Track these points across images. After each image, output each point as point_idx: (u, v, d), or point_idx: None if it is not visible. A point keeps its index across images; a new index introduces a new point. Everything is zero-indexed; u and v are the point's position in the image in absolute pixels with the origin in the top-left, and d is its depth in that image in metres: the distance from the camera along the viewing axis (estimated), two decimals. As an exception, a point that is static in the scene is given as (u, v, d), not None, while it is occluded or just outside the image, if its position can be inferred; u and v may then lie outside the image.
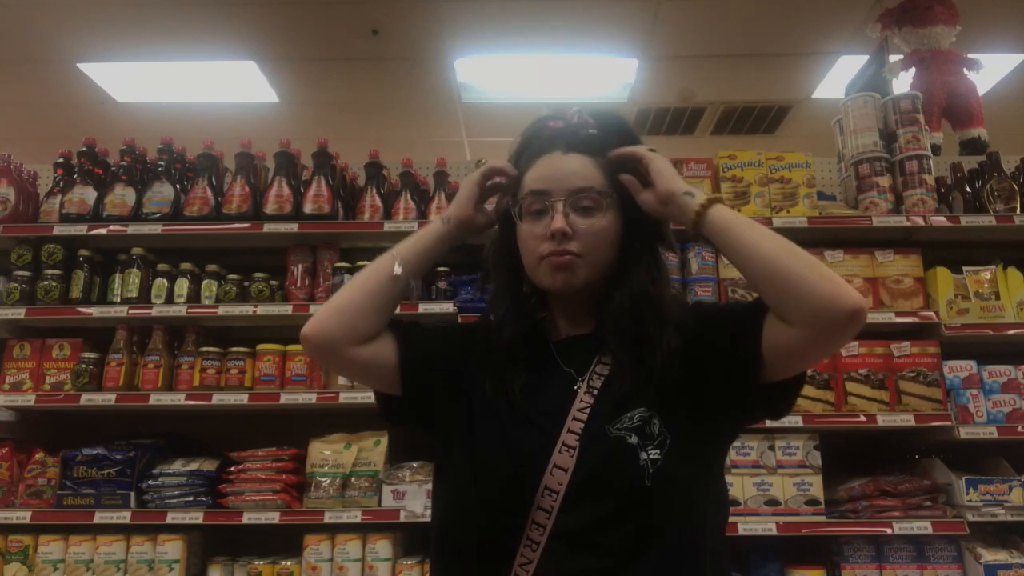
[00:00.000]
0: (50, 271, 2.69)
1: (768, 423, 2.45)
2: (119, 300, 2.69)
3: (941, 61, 3.09)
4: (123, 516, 2.46)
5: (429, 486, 2.41)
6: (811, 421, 2.49)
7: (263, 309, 2.63)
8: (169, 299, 2.68)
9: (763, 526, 2.39)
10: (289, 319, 2.63)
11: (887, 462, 2.63)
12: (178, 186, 2.77)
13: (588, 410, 1.11)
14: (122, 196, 2.73)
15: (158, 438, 2.71)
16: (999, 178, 2.71)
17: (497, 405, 1.16)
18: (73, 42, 4.67)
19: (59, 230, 2.69)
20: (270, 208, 2.69)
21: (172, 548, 2.49)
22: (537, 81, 5.11)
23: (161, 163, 2.81)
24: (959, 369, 2.55)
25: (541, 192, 1.17)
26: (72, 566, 2.49)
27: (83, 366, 2.62)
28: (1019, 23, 4.48)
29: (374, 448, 2.57)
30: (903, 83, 3.06)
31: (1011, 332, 2.56)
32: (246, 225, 2.68)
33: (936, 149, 2.94)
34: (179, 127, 3.90)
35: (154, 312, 2.63)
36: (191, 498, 2.51)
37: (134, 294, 2.67)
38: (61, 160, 2.85)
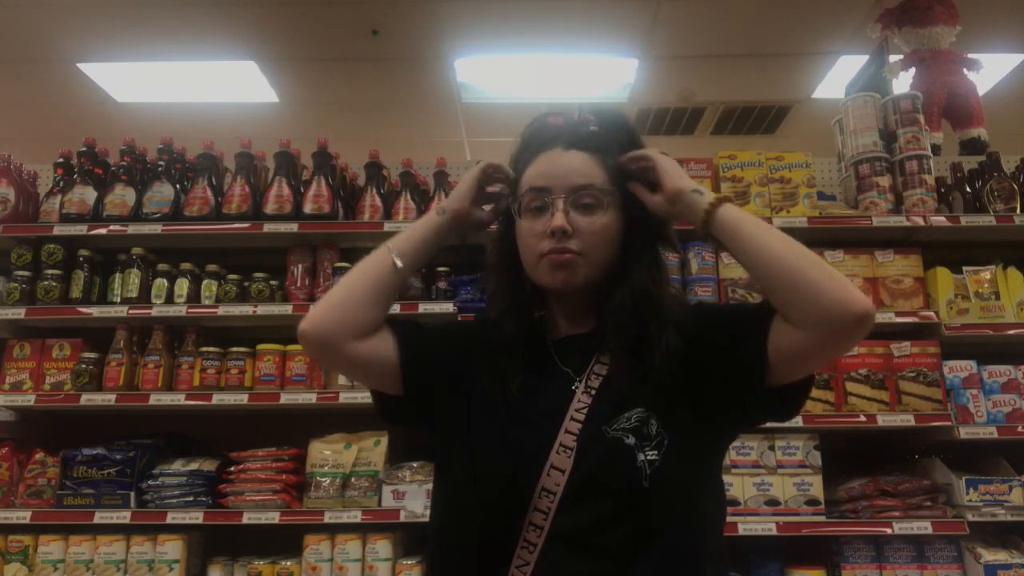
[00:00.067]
0: (50, 271, 2.69)
1: (768, 423, 2.45)
2: (119, 300, 2.69)
3: (941, 61, 3.09)
4: (123, 516, 2.46)
5: (429, 486, 2.41)
6: (811, 421, 2.49)
7: (263, 309, 2.63)
8: (169, 299, 2.68)
9: (763, 526, 2.39)
10: (289, 319, 2.63)
11: (887, 462, 2.63)
12: (178, 186, 2.77)
13: (586, 410, 1.11)
14: (122, 196, 2.73)
15: (158, 438, 2.71)
16: (999, 178, 2.71)
17: (495, 405, 1.15)
18: (73, 42, 4.67)
19: (59, 230, 2.69)
20: (270, 208, 2.69)
21: (172, 548, 2.49)
22: (537, 81, 5.12)
23: (161, 163, 2.81)
24: (959, 369, 2.55)
25: (541, 189, 1.16)
26: (72, 566, 2.49)
27: (83, 366, 2.62)
28: (1019, 23, 4.48)
29: (374, 448, 2.57)
30: (903, 83, 3.06)
31: (1011, 332, 2.56)
32: (246, 225, 2.68)
33: (936, 149, 2.94)
34: (179, 127, 3.90)
35: (154, 312, 2.63)
36: (191, 498, 2.51)
37: (134, 294, 2.67)
38: (61, 160, 2.85)
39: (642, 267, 1.16)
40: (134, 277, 2.69)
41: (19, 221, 2.75)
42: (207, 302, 2.68)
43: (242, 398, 2.57)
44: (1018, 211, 2.67)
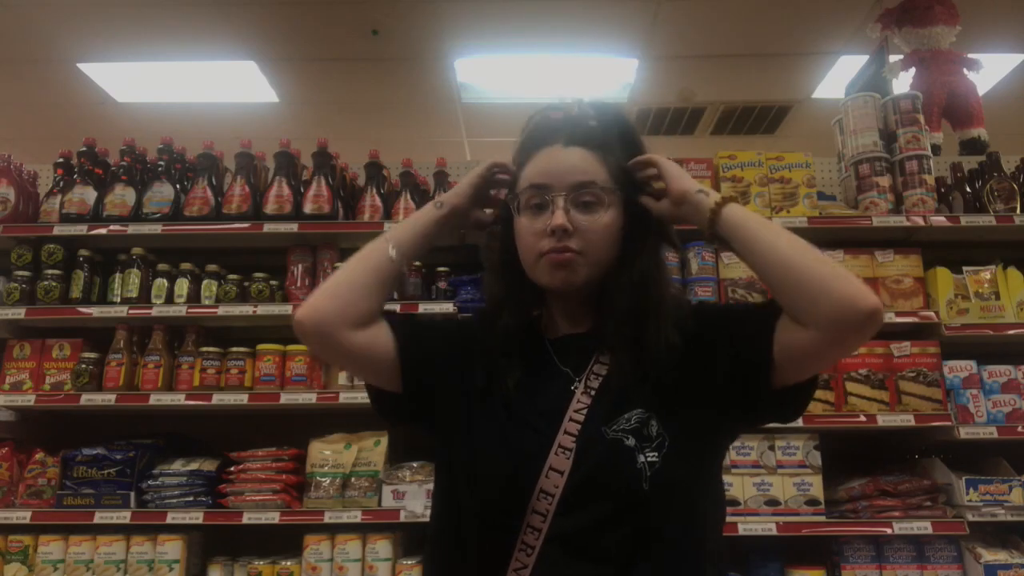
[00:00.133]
0: (50, 271, 2.69)
1: (769, 424, 2.45)
2: (119, 300, 2.69)
3: (941, 61, 3.09)
4: (123, 516, 2.46)
5: (429, 486, 2.42)
6: (811, 421, 2.48)
7: (263, 309, 2.63)
8: (169, 299, 2.68)
9: (763, 526, 2.39)
10: (289, 319, 2.58)
11: (887, 462, 2.63)
12: (178, 186, 2.77)
13: (585, 411, 1.09)
14: (122, 196, 2.73)
15: (158, 438, 2.71)
16: (999, 178, 2.71)
17: (494, 405, 1.14)
18: (73, 42, 4.67)
19: (59, 230, 2.69)
20: (270, 208, 2.69)
21: (172, 548, 2.49)
22: (537, 81, 5.12)
23: (161, 163, 2.81)
24: (959, 369, 2.55)
25: (541, 186, 1.14)
26: (72, 566, 2.49)
27: (83, 366, 2.62)
28: (1019, 23, 4.48)
29: (374, 448, 2.57)
30: (903, 83, 3.06)
31: (1011, 332, 2.56)
32: (246, 225, 2.68)
33: (936, 149, 2.94)
34: (179, 127, 3.90)
35: (154, 312, 2.63)
36: (191, 498, 2.51)
37: (134, 294, 2.67)
38: (61, 160, 2.85)
39: (642, 266, 1.14)
40: (134, 277, 2.69)
41: (19, 221, 2.75)
42: (207, 302, 2.68)
43: (242, 398, 2.57)
44: (1018, 211, 2.67)
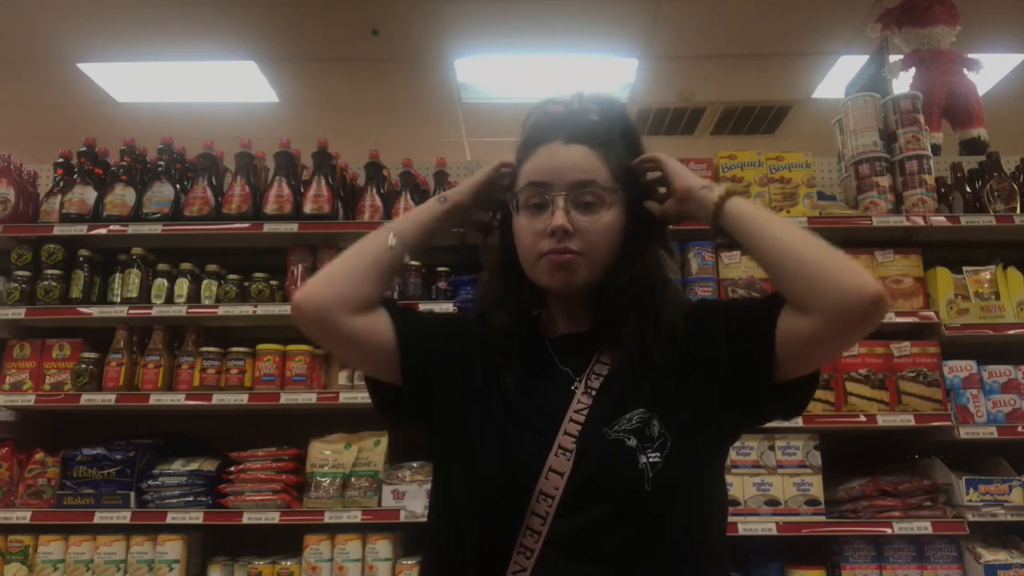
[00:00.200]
0: (50, 271, 2.69)
1: (770, 421, 2.45)
2: (119, 300, 2.69)
3: (941, 61, 3.09)
4: (123, 516, 2.46)
5: (429, 486, 2.41)
6: (811, 421, 2.49)
7: (263, 309, 2.63)
8: (169, 299, 2.68)
9: (763, 526, 2.39)
10: (289, 319, 2.59)
11: (887, 462, 2.63)
12: (178, 186, 2.77)
13: (586, 411, 1.08)
14: (122, 196, 2.73)
15: (158, 438, 2.71)
16: (999, 178, 2.71)
17: (493, 404, 1.12)
18: (73, 42, 4.67)
19: (59, 230, 2.69)
20: (270, 208, 2.69)
21: (172, 548, 2.49)
22: (537, 81, 5.12)
23: (161, 163, 2.81)
24: (959, 369, 2.55)
25: (541, 184, 1.11)
26: (72, 566, 2.49)
27: (83, 366, 2.62)
28: (1019, 23, 4.48)
29: (374, 448, 2.57)
30: (903, 83, 3.06)
31: (1011, 332, 2.56)
32: (246, 225, 2.68)
33: (936, 149, 2.94)
34: (179, 127, 3.90)
35: (154, 312, 2.63)
36: (191, 498, 2.51)
37: (134, 294, 2.67)
38: (61, 160, 2.85)
39: (643, 265, 1.14)
40: (134, 277, 2.69)
41: (19, 221, 2.75)
42: (207, 302, 2.68)
43: (242, 398, 2.57)
44: (1018, 211, 2.67)
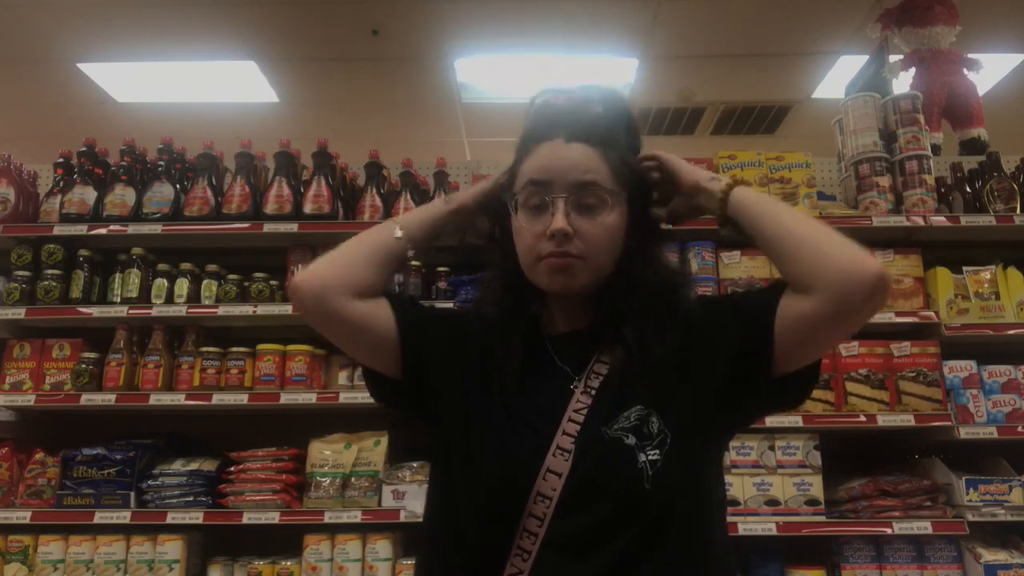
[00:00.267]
0: (50, 271, 2.69)
1: (768, 423, 2.45)
2: (119, 300, 2.69)
3: (941, 61, 3.10)
4: (123, 516, 2.46)
5: (429, 486, 2.41)
6: (811, 421, 2.49)
7: (263, 309, 2.63)
8: (169, 299, 2.68)
9: (763, 526, 2.39)
10: (289, 319, 2.63)
11: (887, 462, 2.63)
12: (178, 186, 2.77)
13: (585, 411, 1.06)
14: (122, 196, 2.73)
15: (158, 438, 2.71)
16: (999, 178, 2.71)
17: (491, 404, 1.11)
18: (73, 42, 4.67)
19: (59, 230, 2.68)
20: (270, 208, 2.69)
21: (172, 548, 2.49)
22: (537, 81, 5.10)
23: (161, 163, 2.80)
24: (959, 369, 2.55)
25: (541, 183, 1.09)
26: (72, 566, 2.49)
27: (83, 366, 2.62)
28: (1019, 23, 4.48)
29: (374, 448, 2.57)
30: (903, 83, 3.06)
31: (1011, 332, 2.56)
32: (246, 225, 2.68)
33: (936, 149, 2.94)
34: (179, 127, 3.90)
35: (154, 312, 2.63)
36: (191, 498, 2.51)
37: (134, 294, 2.67)
38: (61, 160, 2.85)
39: (643, 263, 1.13)
40: (134, 277, 2.68)
41: (19, 221, 2.75)
42: (207, 302, 2.68)
43: (242, 398, 2.57)
44: (1018, 211, 2.67)
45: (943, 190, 2.79)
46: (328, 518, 2.45)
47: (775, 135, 6.01)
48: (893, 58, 3.08)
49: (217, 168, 2.84)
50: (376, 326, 1.15)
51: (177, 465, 2.57)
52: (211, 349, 2.65)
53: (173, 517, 2.46)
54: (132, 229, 2.67)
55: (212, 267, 2.73)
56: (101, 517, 2.46)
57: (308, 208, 2.69)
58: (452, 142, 6.16)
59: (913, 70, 3.11)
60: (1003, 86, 5.07)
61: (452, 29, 4.54)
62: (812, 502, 2.45)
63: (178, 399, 2.59)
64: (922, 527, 2.37)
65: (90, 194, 2.74)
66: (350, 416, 2.58)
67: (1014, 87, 5.07)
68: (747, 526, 2.38)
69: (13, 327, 2.76)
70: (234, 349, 2.65)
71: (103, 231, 2.68)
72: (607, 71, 5.06)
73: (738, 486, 2.46)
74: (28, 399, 2.62)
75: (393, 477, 2.51)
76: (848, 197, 2.83)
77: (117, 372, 2.61)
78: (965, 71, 3.12)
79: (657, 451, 1.02)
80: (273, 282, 2.72)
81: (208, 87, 5.26)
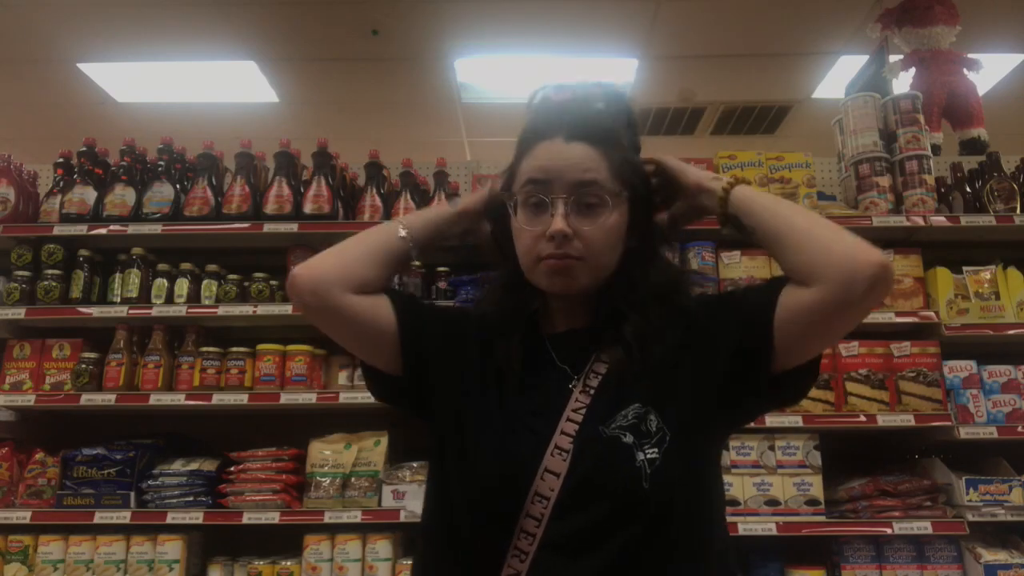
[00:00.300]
0: (50, 271, 2.69)
1: (768, 423, 2.45)
2: (119, 300, 2.69)
3: (941, 61, 3.10)
4: (123, 516, 2.46)
5: (429, 486, 2.41)
6: (811, 421, 2.49)
7: (263, 309, 2.63)
8: (169, 299, 2.68)
9: (763, 526, 2.39)
10: (289, 319, 2.63)
11: (887, 462, 2.63)
12: (178, 186, 2.77)
13: (583, 410, 1.05)
14: (122, 196, 2.73)
15: (158, 438, 2.71)
16: (999, 178, 2.71)
17: (490, 403, 1.10)
18: (73, 42, 4.67)
19: (59, 230, 2.68)
20: (270, 208, 2.69)
21: (172, 548, 2.49)
22: (537, 81, 5.10)
23: (161, 163, 2.80)
24: (959, 369, 2.55)
25: (540, 182, 1.08)
26: (72, 566, 2.49)
27: (83, 366, 2.62)
28: (1019, 23, 4.48)
29: (374, 448, 2.57)
30: (903, 83, 3.06)
31: (1011, 332, 2.56)
32: (246, 225, 2.68)
33: (936, 149, 2.94)
34: (179, 127, 3.90)
35: (154, 312, 2.63)
36: (191, 498, 2.51)
37: (134, 294, 2.67)
38: (61, 160, 2.85)
39: (644, 263, 1.13)
40: (134, 277, 2.68)
41: (19, 221, 2.74)
42: (207, 302, 2.68)
43: (242, 398, 2.57)
44: (1018, 211, 2.67)
45: (943, 190, 2.79)
46: (328, 518, 2.45)
47: (775, 135, 6.02)
48: (893, 58, 3.08)
49: (217, 168, 2.84)
50: (375, 321, 1.15)
51: (177, 465, 2.57)
52: (211, 349, 2.65)
53: (173, 517, 2.46)
54: (132, 229, 2.67)
55: (212, 267, 2.73)
56: (101, 517, 2.46)
57: (308, 208, 2.69)
58: (452, 142, 6.16)
59: (913, 70, 3.11)
60: (1003, 86, 5.07)
61: (452, 29, 4.55)
62: (812, 502, 2.45)
63: (178, 399, 2.59)
64: (922, 527, 2.37)
65: (90, 194, 2.74)
66: (350, 416, 2.58)
67: (1014, 87, 5.07)
68: (747, 526, 2.39)
69: (13, 327, 2.76)
70: (234, 349, 2.65)
71: (103, 231, 2.68)
72: (607, 71, 5.06)
73: (738, 486, 2.46)
74: (28, 399, 2.62)
75: (393, 477, 2.51)
76: (848, 197, 2.83)
77: (117, 372, 2.61)
78: (965, 71, 3.12)
79: (656, 449, 1.01)
80: (273, 282, 2.72)
81: (208, 87, 5.26)
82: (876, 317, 2.52)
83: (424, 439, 1.22)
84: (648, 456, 1.01)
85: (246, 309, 2.63)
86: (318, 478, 2.52)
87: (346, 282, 1.13)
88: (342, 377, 2.66)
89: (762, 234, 1.10)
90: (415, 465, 2.53)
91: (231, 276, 2.72)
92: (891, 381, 2.54)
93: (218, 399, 2.58)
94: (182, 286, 2.68)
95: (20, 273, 2.70)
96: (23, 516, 2.49)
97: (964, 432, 2.46)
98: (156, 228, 2.67)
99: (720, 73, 5.10)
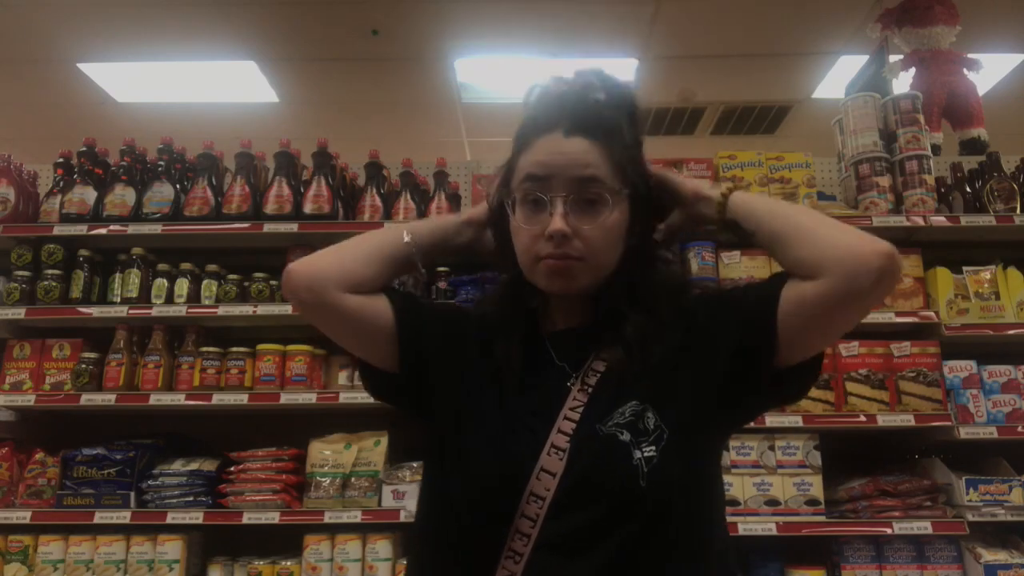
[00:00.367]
0: (50, 271, 2.69)
1: (768, 423, 2.45)
2: (119, 300, 2.69)
3: (941, 61, 3.09)
4: (123, 516, 2.46)
5: (429, 486, 2.41)
6: (811, 421, 2.49)
7: (263, 309, 2.63)
8: (169, 299, 2.68)
9: (763, 526, 2.39)
10: (289, 319, 2.63)
11: (887, 462, 2.63)
12: (178, 186, 2.77)
13: (581, 409, 1.04)
14: (122, 196, 2.73)
15: (158, 438, 2.71)
16: (999, 178, 2.71)
17: (487, 401, 1.09)
18: (73, 42, 4.67)
19: (59, 230, 2.68)
20: (270, 208, 2.69)
21: (172, 548, 2.49)
22: (537, 80, 5.11)
23: (161, 163, 2.80)
24: (959, 369, 2.55)
25: (538, 178, 1.05)
26: (72, 566, 2.49)
27: (83, 366, 2.62)
28: (1019, 23, 4.48)
29: (374, 448, 2.57)
30: (903, 83, 3.06)
31: (1011, 332, 2.56)
32: (246, 225, 2.68)
33: (936, 149, 2.94)
34: (179, 127, 3.89)
35: (154, 312, 2.63)
36: (191, 498, 2.51)
37: (134, 294, 2.67)
38: (61, 160, 2.85)
39: (645, 262, 1.12)
40: (134, 277, 2.68)
41: (19, 221, 2.74)
42: (207, 302, 2.68)
43: (242, 398, 2.57)
44: (1018, 211, 2.67)
45: (943, 190, 2.79)
46: (328, 518, 2.45)
47: (775, 135, 6.02)
48: (893, 58, 3.08)
49: (217, 168, 2.84)
50: (372, 320, 1.14)
51: (177, 465, 2.57)
52: (211, 349, 2.65)
53: (173, 517, 2.46)
54: (132, 229, 2.67)
55: (212, 267, 2.73)
56: (101, 517, 2.46)
57: (308, 208, 2.69)
58: (452, 142, 6.16)
59: (913, 70, 3.11)
60: (1003, 86, 5.07)
61: (452, 29, 4.55)
62: (812, 502, 2.45)
63: (178, 399, 2.59)
64: (922, 527, 2.37)
65: (90, 194, 2.74)
66: (350, 416, 2.58)
67: (1014, 87, 5.07)
68: (747, 526, 2.38)
69: (13, 327, 2.76)
70: (234, 349, 2.65)
71: (103, 231, 2.68)
72: (607, 71, 5.05)
73: (738, 486, 2.46)
74: (28, 399, 2.62)
75: (393, 477, 2.51)
76: (848, 197, 2.83)
77: (117, 372, 2.61)
78: (965, 71, 3.12)
79: (653, 448, 1.00)
80: (273, 282, 2.71)
81: (208, 87, 5.26)
82: (876, 317, 2.52)
83: (424, 439, 1.21)
84: (645, 454, 0.99)
85: (246, 309, 2.63)
86: (318, 478, 2.52)
87: (342, 280, 1.11)
88: (342, 377, 2.67)
89: (763, 234, 1.09)
90: (415, 465, 2.53)
91: (231, 276, 2.72)
92: (891, 381, 2.54)
93: (218, 399, 2.58)
94: (182, 286, 2.68)
95: (20, 273, 2.70)
96: (23, 516, 2.49)
97: (964, 432, 2.46)
98: (156, 228, 2.67)
99: (720, 73, 5.10)
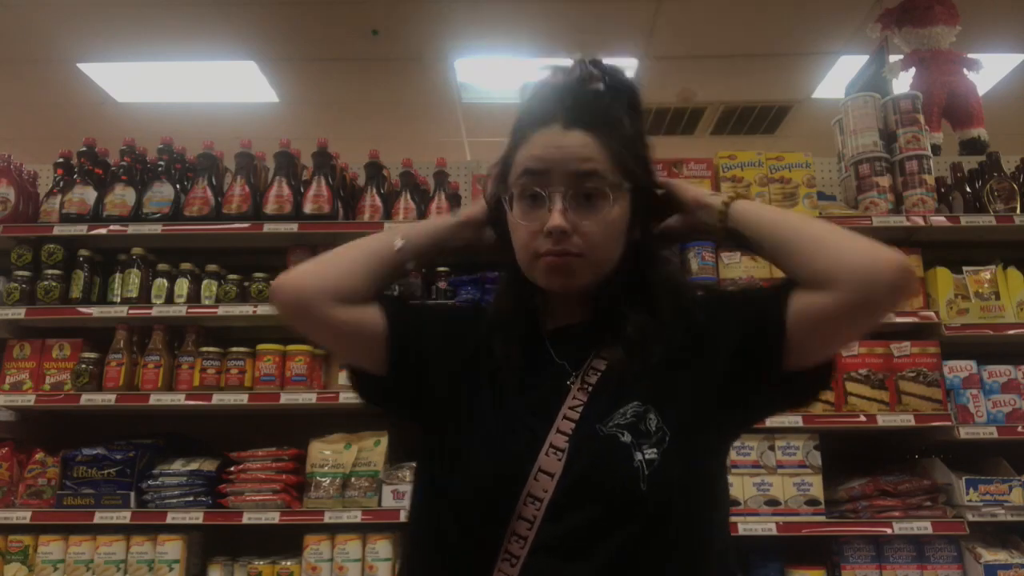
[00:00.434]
0: (50, 271, 2.69)
1: (768, 423, 2.45)
2: (119, 300, 2.69)
3: (941, 61, 3.09)
4: (123, 516, 2.46)
5: (429, 486, 2.41)
6: (811, 421, 2.49)
7: (263, 309, 2.63)
8: (169, 299, 2.68)
9: (763, 526, 2.39)
10: (289, 319, 2.63)
11: (887, 462, 2.63)
12: (178, 186, 2.77)
13: (581, 408, 1.01)
14: (122, 196, 2.73)
15: (158, 438, 2.71)
16: (999, 178, 2.71)
17: (484, 400, 1.06)
18: (73, 42, 4.67)
19: (59, 230, 2.68)
20: (270, 208, 2.69)
21: (172, 548, 2.49)
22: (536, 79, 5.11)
23: (161, 163, 2.80)
24: (959, 369, 2.55)
25: (537, 172, 1.02)
26: (72, 566, 2.49)
27: (83, 366, 2.62)
28: (1019, 23, 4.48)
29: (374, 448, 2.57)
30: (903, 83, 3.06)
31: (1011, 332, 2.56)
32: (246, 225, 2.68)
33: (936, 149, 2.94)
34: (179, 127, 3.89)
35: (154, 312, 2.63)
36: (191, 498, 2.51)
37: (134, 294, 2.67)
38: (61, 160, 2.85)
39: (646, 259, 1.10)
40: (134, 277, 2.68)
41: (19, 221, 2.74)
42: (207, 302, 2.68)
43: (242, 398, 2.57)
44: (1018, 211, 2.67)
45: (943, 190, 2.79)
46: (328, 518, 2.45)
47: (775, 135, 6.02)
48: (893, 58, 3.08)
49: (217, 168, 2.84)
50: (362, 330, 1.11)
51: (177, 465, 2.57)
52: (211, 349, 2.65)
53: (173, 517, 2.46)
54: (132, 229, 2.67)
55: (212, 267, 2.73)
56: (101, 517, 2.46)
57: (308, 208, 2.69)
58: (452, 142, 6.16)
59: (913, 70, 3.11)
60: (1003, 86, 5.07)
61: (452, 29, 4.55)
62: (812, 502, 2.45)
63: (178, 399, 2.59)
64: (922, 527, 2.36)
65: (90, 194, 2.74)
66: (350, 416, 2.58)
67: (1014, 87, 5.07)
68: (747, 526, 2.39)
69: (13, 327, 2.76)
70: (234, 349, 2.65)
71: (103, 231, 2.68)
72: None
73: (738, 486, 2.46)
74: (28, 399, 2.62)
75: (393, 477, 2.51)
76: (848, 197, 2.83)
77: (117, 372, 2.61)
78: (965, 71, 3.12)
79: (655, 450, 0.98)
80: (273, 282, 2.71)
81: (208, 87, 5.26)
82: (876, 317, 2.51)
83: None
84: (647, 457, 0.97)
85: (246, 309, 2.63)
86: (318, 478, 2.52)
87: (330, 293, 1.09)
88: (342, 377, 2.66)
89: (767, 244, 1.07)
90: (415, 465, 2.52)
91: (231, 276, 2.72)
92: (891, 381, 2.54)
93: (218, 399, 2.58)
94: (182, 286, 2.68)
95: (20, 273, 2.70)
96: (23, 516, 2.49)
97: (964, 432, 2.46)
98: (156, 228, 2.67)
99: (720, 73, 5.10)
